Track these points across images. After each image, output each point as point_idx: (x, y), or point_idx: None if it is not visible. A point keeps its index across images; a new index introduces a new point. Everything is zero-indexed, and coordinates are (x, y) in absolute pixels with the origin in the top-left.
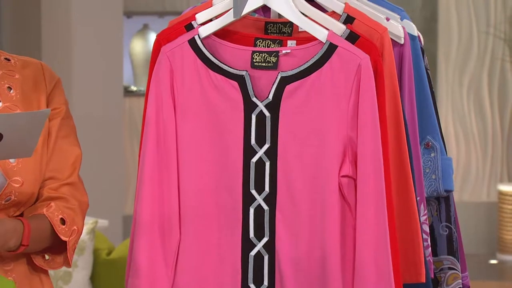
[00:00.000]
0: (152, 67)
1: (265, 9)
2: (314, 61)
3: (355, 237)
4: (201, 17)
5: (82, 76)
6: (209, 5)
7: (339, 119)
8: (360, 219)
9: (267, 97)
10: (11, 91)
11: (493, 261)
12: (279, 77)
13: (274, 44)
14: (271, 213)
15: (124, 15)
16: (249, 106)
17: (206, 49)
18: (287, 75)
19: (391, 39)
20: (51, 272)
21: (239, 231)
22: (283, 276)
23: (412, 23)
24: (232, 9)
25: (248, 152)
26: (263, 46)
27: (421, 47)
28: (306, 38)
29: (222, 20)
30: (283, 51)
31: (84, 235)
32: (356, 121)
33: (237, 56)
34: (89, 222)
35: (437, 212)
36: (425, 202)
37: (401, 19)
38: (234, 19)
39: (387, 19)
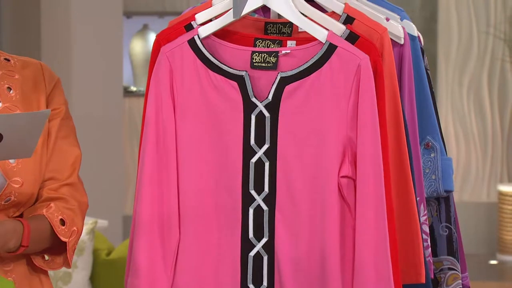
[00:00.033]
0: (152, 67)
1: (265, 9)
2: (313, 61)
3: (354, 238)
4: (200, 17)
5: (82, 76)
6: (209, 5)
7: (339, 119)
8: (359, 220)
9: (267, 98)
10: (11, 92)
11: (493, 262)
12: (278, 78)
13: (274, 44)
14: (270, 214)
15: (124, 15)
16: (248, 107)
17: (205, 49)
18: (286, 75)
19: (391, 39)
20: (50, 272)
21: (238, 231)
22: (282, 276)
23: (412, 23)
24: (232, 9)
25: (248, 152)
26: (263, 46)
27: (421, 47)
28: (306, 39)
29: (221, 20)
30: (283, 52)
31: (83, 236)
32: (356, 122)
33: (236, 57)
34: (88, 223)
35: (437, 213)
36: (425, 202)
37: (401, 19)
38: (233, 19)
39: (387, 19)
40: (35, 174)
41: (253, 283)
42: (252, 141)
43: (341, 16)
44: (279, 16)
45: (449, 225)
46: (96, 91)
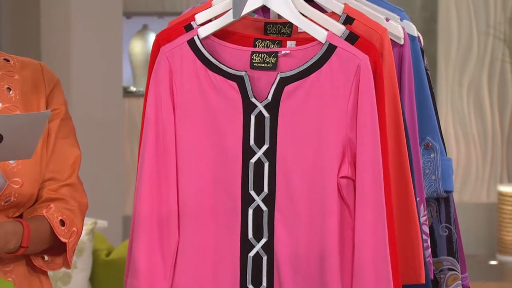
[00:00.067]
0: (151, 68)
1: (264, 9)
2: (313, 61)
3: (354, 238)
4: (200, 17)
5: (82, 77)
6: (209, 5)
7: (338, 119)
8: (359, 220)
9: (266, 98)
10: (11, 92)
11: (493, 262)
12: (278, 78)
13: (274, 44)
14: (270, 214)
15: (123, 16)
16: (248, 107)
17: (205, 49)
18: (286, 75)
19: (391, 39)
20: (50, 273)
21: (237, 231)
22: (281, 277)
23: (411, 24)
24: (232, 9)
25: (247, 152)
26: (263, 46)
27: (421, 48)
28: (306, 39)
29: (221, 21)
30: (282, 52)
31: (83, 236)
32: (356, 122)
33: (236, 57)
34: (88, 223)
35: (437, 213)
36: (425, 203)
37: (401, 20)
38: (233, 19)
39: (387, 20)
40: (35, 174)
41: (253, 284)
42: (252, 142)
43: (340, 16)
44: (279, 16)
45: (449, 226)
46: (96, 92)
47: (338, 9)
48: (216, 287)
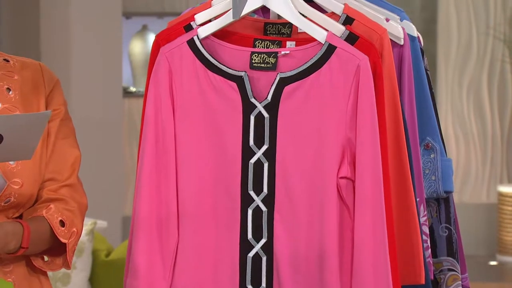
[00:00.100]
0: (151, 68)
1: (264, 10)
2: (313, 62)
3: (353, 239)
4: (200, 17)
5: (81, 77)
6: (208, 5)
7: (338, 120)
8: (358, 221)
9: (266, 98)
10: (10, 92)
11: (493, 263)
12: (278, 78)
13: (273, 45)
14: (269, 214)
15: (123, 16)
16: (247, 107)
17: (205, 49)
18: (286, 76)
19: (391, 40)
20: (49, 273)
21: (237, 232)
22: (281, 277)
23: (411, 24)
24: (231, 9)
25: (247, 153)
26: (262, 47)
27: (420, 48)
28: (305, 39)
29: (221, 21)
30: (282, 52)
31: (83, 236)
32: (355, 122)
33: (236, 57)
34: (88, 223)
35: (437, 213)
36: (424, 203)
37: (401, 20)
38: (233, 19)
39: (387, 20)
40: (35, 175)
41: (252, 284)
42: (251, 142)
43: (340, 16)
44: (279, 16)
45: (449, 226)
46: (96, 92)
47: (338, 9)
48: (215, 287)
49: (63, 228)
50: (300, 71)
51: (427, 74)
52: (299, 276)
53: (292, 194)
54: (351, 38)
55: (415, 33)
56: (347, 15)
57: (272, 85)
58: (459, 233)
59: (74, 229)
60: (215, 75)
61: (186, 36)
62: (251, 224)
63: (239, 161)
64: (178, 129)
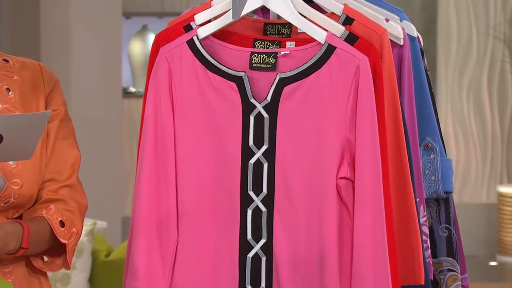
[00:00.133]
0: (151, 68)
1: (264, 10)
2: (312, 62)
3: (353, 239)
4: (200, 18)
5: (81, 77)
6: (208, 6)
7: (338, 120)
8: (357, 221)
9: (266, 98)
10: (10, 93)
11: (493, 263)
12: (277, 78)
13: (273, 45)
14: (269, 215)
15: (123, 16)
16: (247, 107)
17: (204, 50)
18: (285, 76)
19: (391, 40)
20: (49, 273)
21: (236, 232)
22: (280, 278)
23: (411, 24)
24: (231, 10)
25: (246, 153)
26: (262, 47)
27: (420, 48)
28: (305, 39)
29: (221, 21)
30: (282, 52)
31: (82, 237)
32: (355, 123)
33: (235, 57)
34: (87, 224)
35: (437, 214)
36: (424, 203)
37: (401, 20)
38: (233, 20)
39: (387, 20)
40: (35, 175)
41: (251, 284)
42: (251, 142)
43: (340, 17)
44: (278, 17)
45: (449, 226)
46: (95, 92)
47: (338, 9)
48: (215, 287)
49: (63, 229)
50: (300, 72)
51: (427, 74)
52: (299, 276)
53: (292, 195)
54: (351, 39)
55: (415, 33)
56: (346, 15)
57: (271, 86)
58: (459, 234)
59: (74, 229)
60: (214, 75)
61: (186, 36)
62: (250, 224)
63: (239, 161)
64: (178, 129)
